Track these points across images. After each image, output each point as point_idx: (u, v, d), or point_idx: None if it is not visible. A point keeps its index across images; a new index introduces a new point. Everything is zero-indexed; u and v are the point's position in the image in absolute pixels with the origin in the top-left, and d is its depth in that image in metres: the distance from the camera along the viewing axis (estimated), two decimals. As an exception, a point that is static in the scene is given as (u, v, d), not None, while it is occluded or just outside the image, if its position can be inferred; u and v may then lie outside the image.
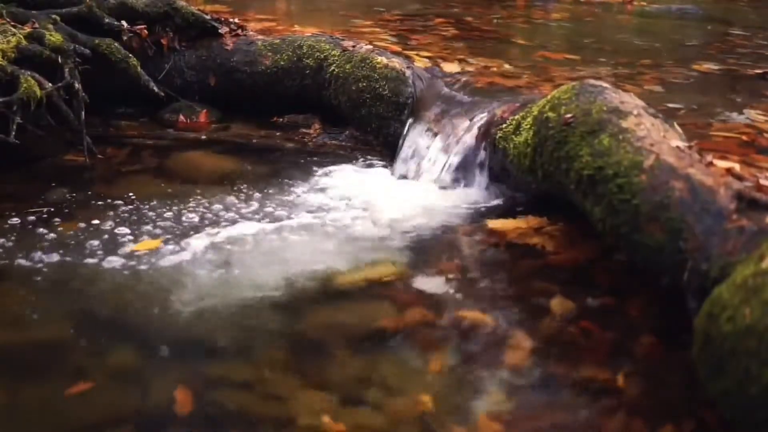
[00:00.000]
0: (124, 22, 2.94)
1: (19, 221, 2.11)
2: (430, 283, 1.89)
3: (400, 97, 2.71)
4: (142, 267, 1.89)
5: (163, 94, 2.92)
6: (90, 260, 1.92)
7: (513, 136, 2.20)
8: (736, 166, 1.69)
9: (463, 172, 2.40)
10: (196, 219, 2.16)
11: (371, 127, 2.78)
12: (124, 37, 2.91)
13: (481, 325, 1.71)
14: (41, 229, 2.07)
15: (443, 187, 2.40)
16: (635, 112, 1.87)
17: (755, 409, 1.17)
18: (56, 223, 2.10)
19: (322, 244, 2.06)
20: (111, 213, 2.18)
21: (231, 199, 2.30)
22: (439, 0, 5.23)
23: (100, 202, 2.25)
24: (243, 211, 2.23)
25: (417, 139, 2.55)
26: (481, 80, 2.76)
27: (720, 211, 1.50)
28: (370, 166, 2.64)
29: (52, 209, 2.19)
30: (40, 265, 1.89)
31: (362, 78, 2.79)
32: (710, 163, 1.66)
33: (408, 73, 2.75)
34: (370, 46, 2.94)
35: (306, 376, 1.53)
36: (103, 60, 2.80)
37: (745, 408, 1.19)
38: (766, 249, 1.29)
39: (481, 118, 2.42)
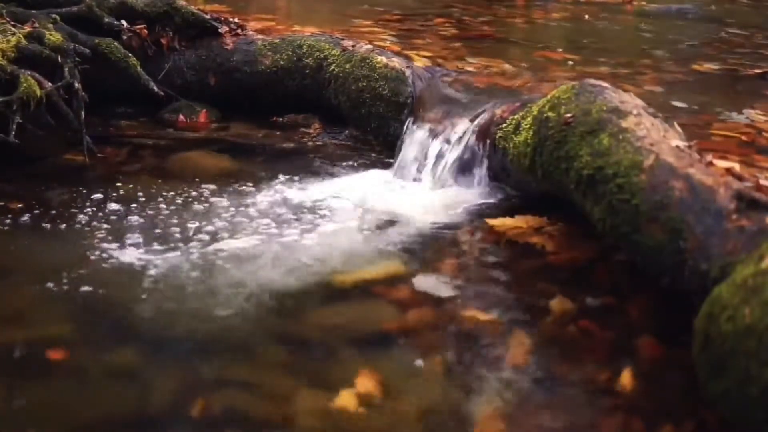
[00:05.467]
0: (123, 22, 2.93)
1: (19, 221, 2.11)
2: (430, 283, 1.88)
3: (400, 96, 2.70)
4: (140, 267, 1.89)
5: (162, 93, 2.92)
6: (87, 259, 1.92)
7: (513, 136, 2.20)
8: (736, 166, 1.69)
9: (462, 171, 2.40)
10: (195, 219, 2.16)
11: (371, 126, 2.78)
12: (124, 37, 2.91)
13: (481, 325, 1.71)
14: (41, 229, 2.07)
15: (443, 187, 2.40)
16: (635, 111, 1.86)
17: (755, 409, 1.17)
18: (56, 223, 2.10)
19: (322, 245, 2.06)
20: (110, 212, 2.18)
21: (230, 199, 2.30)
22: (438, 0, 5.23)
23: (99, 202, 2.25)
24: (242, 211, 2.23)
25: (417, 138, 2.55)
26: (481, 80, 2.76)
27: (720, 211, 1.49)
28: (370, 165, 2.64)
29: (52, 208, 2.19)
30: (39, 263, 1.90)
31: (362, 78, 2.79)
32: (710, 163, 1.66)
33: (408, 72, 2.75)
34: (370, 46, 2.94)
35: (306, 376, 1.53)
36: (103, 60, 2.79)
37: (745, 408, 1.19)
38: (766, 249, 1.29)
39: (480, 118, 2.42)
